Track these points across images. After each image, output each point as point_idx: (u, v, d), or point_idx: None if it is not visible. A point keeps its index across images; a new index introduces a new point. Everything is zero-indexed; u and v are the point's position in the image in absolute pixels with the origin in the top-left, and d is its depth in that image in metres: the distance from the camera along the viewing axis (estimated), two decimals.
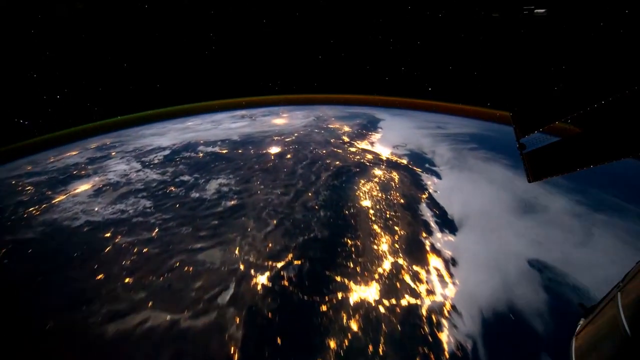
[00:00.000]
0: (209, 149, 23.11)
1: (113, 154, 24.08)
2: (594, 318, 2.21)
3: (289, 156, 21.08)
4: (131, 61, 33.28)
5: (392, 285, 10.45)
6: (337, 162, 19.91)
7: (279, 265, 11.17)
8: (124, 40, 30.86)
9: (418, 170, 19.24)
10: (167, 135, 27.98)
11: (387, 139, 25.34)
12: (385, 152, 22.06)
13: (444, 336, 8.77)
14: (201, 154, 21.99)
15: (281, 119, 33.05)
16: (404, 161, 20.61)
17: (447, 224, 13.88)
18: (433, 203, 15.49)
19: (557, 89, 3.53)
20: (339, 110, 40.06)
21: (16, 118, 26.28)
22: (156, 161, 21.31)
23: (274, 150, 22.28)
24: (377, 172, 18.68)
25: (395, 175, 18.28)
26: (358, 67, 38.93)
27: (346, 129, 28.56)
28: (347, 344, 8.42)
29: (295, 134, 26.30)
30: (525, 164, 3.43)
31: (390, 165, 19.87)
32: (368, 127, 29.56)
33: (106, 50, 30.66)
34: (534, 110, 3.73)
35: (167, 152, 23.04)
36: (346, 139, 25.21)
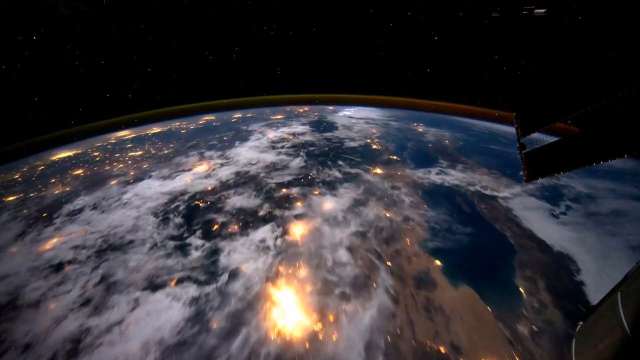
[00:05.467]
0: None
1: None
2: (594, 318, 2.09)
3: None
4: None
5: None
6: None
7: None
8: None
9: None
10: None
11: None
12: None
13: None
14: None
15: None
16: None
17: None
18: None
19: (557, 89, 3.44)
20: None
21: None
22: None
23: None
24: None
25: None
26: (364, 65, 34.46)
27: None
28: None
29: None
30: (523, 164, 3.49)
31: None
32: None
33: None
34: (535, 110, 3.68)
35: None
36: None
